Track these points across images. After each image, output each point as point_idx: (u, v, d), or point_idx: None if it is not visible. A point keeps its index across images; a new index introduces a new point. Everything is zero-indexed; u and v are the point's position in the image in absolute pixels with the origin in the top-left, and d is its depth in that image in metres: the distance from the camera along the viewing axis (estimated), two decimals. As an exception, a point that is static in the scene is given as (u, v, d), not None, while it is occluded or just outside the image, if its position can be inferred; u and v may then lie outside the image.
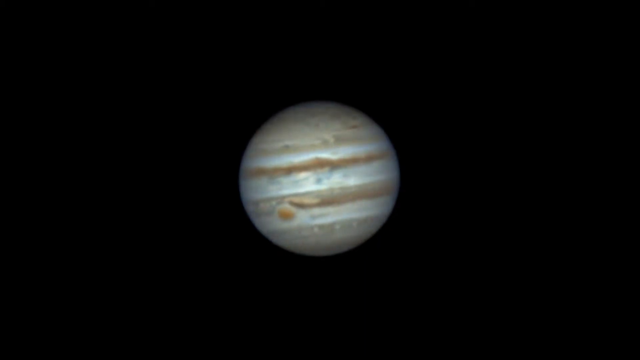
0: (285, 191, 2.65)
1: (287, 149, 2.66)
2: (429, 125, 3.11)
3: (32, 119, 2.99)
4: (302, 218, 2.66)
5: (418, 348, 3.05)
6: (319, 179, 2.63)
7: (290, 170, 2.64)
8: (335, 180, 2.64)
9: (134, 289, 3.07)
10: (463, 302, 3.05)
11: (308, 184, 2.63)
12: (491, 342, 2.98)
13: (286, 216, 2.66)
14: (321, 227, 2.69)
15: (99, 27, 2.98)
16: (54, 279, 3.03)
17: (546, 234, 2.96)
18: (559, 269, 2.95)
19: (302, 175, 2.62)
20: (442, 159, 3.10)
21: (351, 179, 2.67)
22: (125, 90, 3.05)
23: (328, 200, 2.64)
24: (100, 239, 3.05)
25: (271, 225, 2.76)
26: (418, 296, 3.10)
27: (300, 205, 2.64)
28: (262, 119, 2.95)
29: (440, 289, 3.08)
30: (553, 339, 2.91)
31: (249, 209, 2.84)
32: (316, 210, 2.65)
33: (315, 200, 2.63)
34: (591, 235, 2.91)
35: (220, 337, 3.11)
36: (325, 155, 2.64)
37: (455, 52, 3.00)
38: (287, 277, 3.15)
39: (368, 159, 2.74)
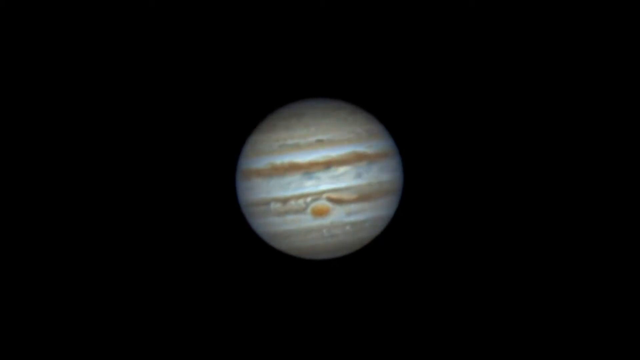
0: (324, 186, 2.52)
1: (321, 143, 2.54)
2: (428, 125, 3.14)
3: (30, 118, 2.94)
4: (338, 214, 2.55)
5: (420, 350, 3.02)
6: (358, 174, 2.54)
7: (329, 164, 2.52)
8: (373, 175, 2.57)
9: (131, 291, 2.98)
10: (464, 303, 3.07)
11: (348, 179, 2.53)
12: (493, 344, 3.02)
13: (321, 213, 2.53)
14: (353, 224, 2.60)
15: (98, 26, 2.91)
16: (51, 279, 2.96)
17: (549, 234, 3.06)
18: (561, 270, 3.05)
19: (342, 169, 2.52)
20: (442, 159, 3.13)
21: (385, 174, 2.62)
22: (123, 90, 2.99)
23: (365, 195, 2.56)
24: (97, 240, 2.97)
25: (297, 224, 2.58)
26: (418, 298, 3.08)
27: (338, 201, 2.53)
28: (258, 119, 2.83)
29: (441, 290, 3.09)
30: (554, 340, 3.00)
31: (269, 207, 2.60)
32: (353, 206, 2.55)
33: (353, 196, 2.54)
34: (594, 238, 3.03)
35: (218, 341, 3.00)
36: (362, 148, 2.57)
37: (455, 52, 3.07)
38: (286, 280, 3.02)
39: (394, 153, 2.71)
